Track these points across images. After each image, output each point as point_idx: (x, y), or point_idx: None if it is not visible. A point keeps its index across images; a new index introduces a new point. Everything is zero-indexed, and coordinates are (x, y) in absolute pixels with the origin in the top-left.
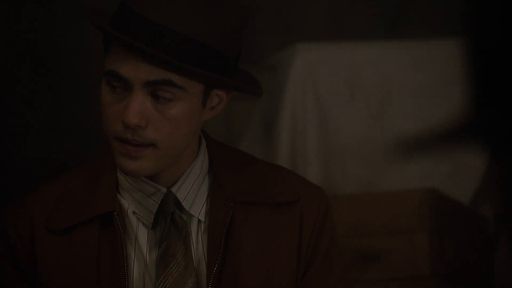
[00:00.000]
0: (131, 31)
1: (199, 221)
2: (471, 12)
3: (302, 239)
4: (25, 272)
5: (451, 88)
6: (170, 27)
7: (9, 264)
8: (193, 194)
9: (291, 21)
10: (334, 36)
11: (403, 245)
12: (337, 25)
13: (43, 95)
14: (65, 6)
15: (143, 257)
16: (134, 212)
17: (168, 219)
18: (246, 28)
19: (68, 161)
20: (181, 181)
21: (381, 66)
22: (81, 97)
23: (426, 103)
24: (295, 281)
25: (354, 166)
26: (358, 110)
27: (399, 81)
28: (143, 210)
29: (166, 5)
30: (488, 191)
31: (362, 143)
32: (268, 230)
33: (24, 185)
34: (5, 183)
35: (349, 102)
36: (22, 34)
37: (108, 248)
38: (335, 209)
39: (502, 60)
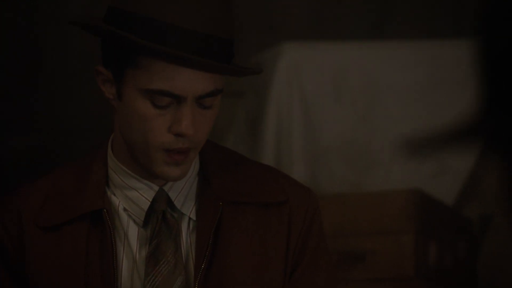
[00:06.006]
0: (173, 44)
1: (190, 219)
2: (483, 12)
3: (290, 239)
4: (12, 266)
5: (437, 89)
6: (206, 32)
7: None
8: (185, 192)
9: (275, 20)
10: (319, 35)
11: (388, 246)
12: (323, 25)
13: (24, 92)
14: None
15: (133, 254)
16: (125, 209)
17: (159, 217)
18: None
19: (48, 160)
20: None
21: (367, 66)
22: (64, 95)
23: (412, 104)
24: (282, 280)
25: (340, 166)
26: (343, 110)
27: (385, 81)
28: (135, 208)
29: (192, 9)
30: (473, 192)
31: (348, 143)
32: (257, 230)
33: (5, 182)
34: None
35: (334, 102)
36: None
37: (97, 245)
38: (320, 209)
39: None
